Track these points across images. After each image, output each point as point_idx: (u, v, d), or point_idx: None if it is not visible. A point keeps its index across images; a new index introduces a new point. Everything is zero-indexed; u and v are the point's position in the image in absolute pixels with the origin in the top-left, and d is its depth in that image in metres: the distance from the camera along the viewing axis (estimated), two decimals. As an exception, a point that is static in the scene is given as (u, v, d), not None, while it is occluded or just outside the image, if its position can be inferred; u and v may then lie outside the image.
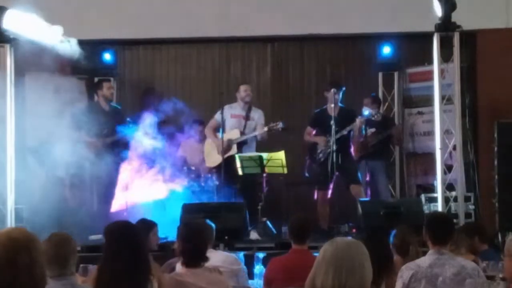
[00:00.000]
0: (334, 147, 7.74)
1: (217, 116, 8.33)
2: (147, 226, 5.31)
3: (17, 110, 8.31)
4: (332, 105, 7.90)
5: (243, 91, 8.32)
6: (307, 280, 2.60)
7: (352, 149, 8.30)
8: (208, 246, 4.41)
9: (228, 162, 8.10)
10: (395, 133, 9.08)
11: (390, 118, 9.42)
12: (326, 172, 7.85)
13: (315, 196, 7.98)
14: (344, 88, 8.17)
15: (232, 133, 8.21)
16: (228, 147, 8.16)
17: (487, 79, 9.22)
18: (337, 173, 7.89)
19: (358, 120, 7.77)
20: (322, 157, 7.95)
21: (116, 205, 8.11)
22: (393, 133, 9.04)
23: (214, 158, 8.31)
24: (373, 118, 8.30)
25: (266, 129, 8.03)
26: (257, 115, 8.31)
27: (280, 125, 7.99)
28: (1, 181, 7.77)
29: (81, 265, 4.29)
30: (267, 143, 8.50)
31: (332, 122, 7.82)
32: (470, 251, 5.07)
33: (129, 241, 3.36)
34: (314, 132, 8.16)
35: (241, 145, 8.21)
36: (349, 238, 2.71)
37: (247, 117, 8.29)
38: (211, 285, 3.99)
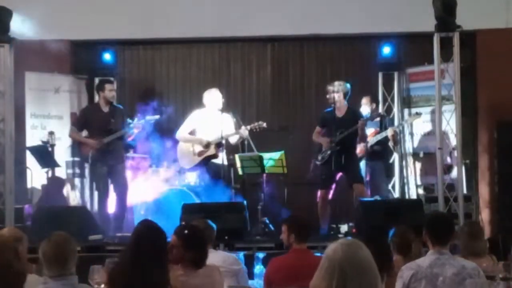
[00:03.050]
0: (337, 148, 7.74)
1: (189, 120, 8.38)
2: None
3: (17, 110, 8.32)
4: (333, 106, 7.92)
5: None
6: (311, 284, 2.57)
7: (358, 150, 8.27)
8: (208, 246, 4.40)
9: (207, 162, 8.24)
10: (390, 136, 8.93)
11: (390, 119, 9.40)
12: (328, 172, 7.85)
13: (318, 196, 7.97)
14: (345, 86, 8.00)
15: (210, 135, 8.21)
16: (207, 148, 8.19)
17: (487, 79, 9.22)
18: (340, 173, 7.89)
19: (360, 122, 7.75)
20: (322, 159, 7.94)
21: (113, 205, 8.06)
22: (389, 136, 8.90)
23: (190, 159, 8.32)
24: (371, 120, 8.30)
25: (248, 128, 8.04)
26: (226, 118, 8.28)
27: (263, 125, 8.02)
28: (0, 181, 7.78)
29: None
30: (268, 143, 8.51)
31: (330, 123, 7.85)
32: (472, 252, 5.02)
33: (156, 248, 3.36)
34: (322, 131, 8.12)
35: (218, 146, 8.22)
36: (352, 239, 2.69)
37: (216, 120, 8.24)
38: (214, 284, 4.00)
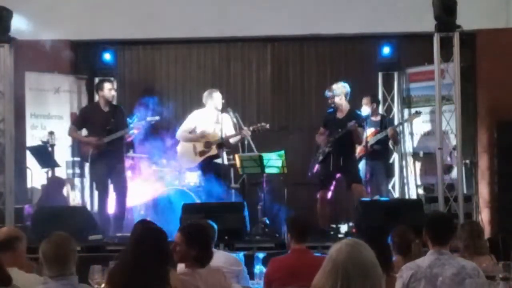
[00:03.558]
0: (330, 149, 7.75)
1: (189, 120, 8.37)
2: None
3: (17, 110, 8.32)
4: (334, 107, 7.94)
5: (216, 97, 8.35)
6: (313, 285, 2.56)
7: (357, 150, 8.27)
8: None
9: (209, 162, 8.22)
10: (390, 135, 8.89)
11: (390, 118, 9.40)
12: (327, 173, 7.85)
13: (318, 196, 7.96)
14: (344, 86, 7.96)
15: (212, 135, 8.21)
16: (208, 148, 8.20)
17: (487, 79, 9.22)
18: (339, 174, 7.89)
19: (349, 124, 7.72)
20: (320, 157, 7.94)
21: (113, 205, 8.05)
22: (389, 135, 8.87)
23: (191, 159, 8.32)
24: (364, 122, 8.29)
25: (251, 129, 8.04)
26: (225, 118, 8.27)
27: (266, 126, 8.04)
28: (0, 181, 7.77)
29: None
30: (268, 143, 8.51)
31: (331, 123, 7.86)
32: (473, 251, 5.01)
33: (155, 248, 3.35)
34: (326, 132, 8.11)
35: (220, 146, 8.22)
36: (356, 239, 2.68)
37: (217, 121, 8.25)
38: (215, 286, 3.99)
